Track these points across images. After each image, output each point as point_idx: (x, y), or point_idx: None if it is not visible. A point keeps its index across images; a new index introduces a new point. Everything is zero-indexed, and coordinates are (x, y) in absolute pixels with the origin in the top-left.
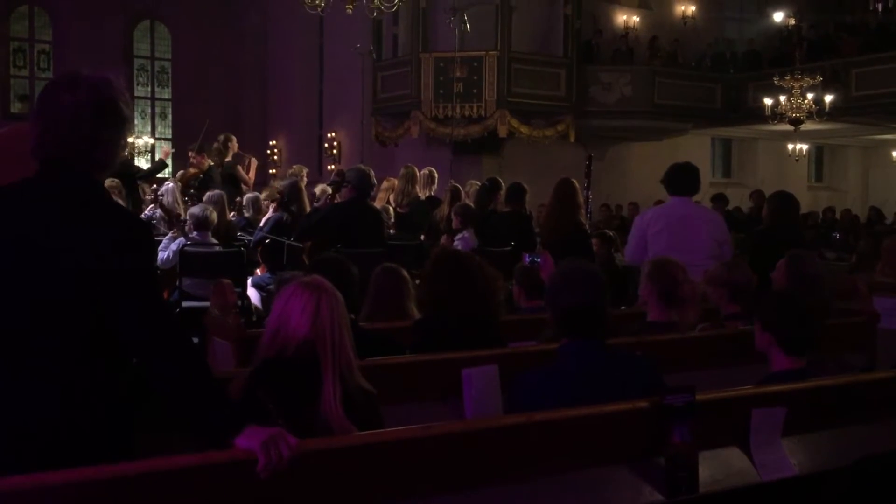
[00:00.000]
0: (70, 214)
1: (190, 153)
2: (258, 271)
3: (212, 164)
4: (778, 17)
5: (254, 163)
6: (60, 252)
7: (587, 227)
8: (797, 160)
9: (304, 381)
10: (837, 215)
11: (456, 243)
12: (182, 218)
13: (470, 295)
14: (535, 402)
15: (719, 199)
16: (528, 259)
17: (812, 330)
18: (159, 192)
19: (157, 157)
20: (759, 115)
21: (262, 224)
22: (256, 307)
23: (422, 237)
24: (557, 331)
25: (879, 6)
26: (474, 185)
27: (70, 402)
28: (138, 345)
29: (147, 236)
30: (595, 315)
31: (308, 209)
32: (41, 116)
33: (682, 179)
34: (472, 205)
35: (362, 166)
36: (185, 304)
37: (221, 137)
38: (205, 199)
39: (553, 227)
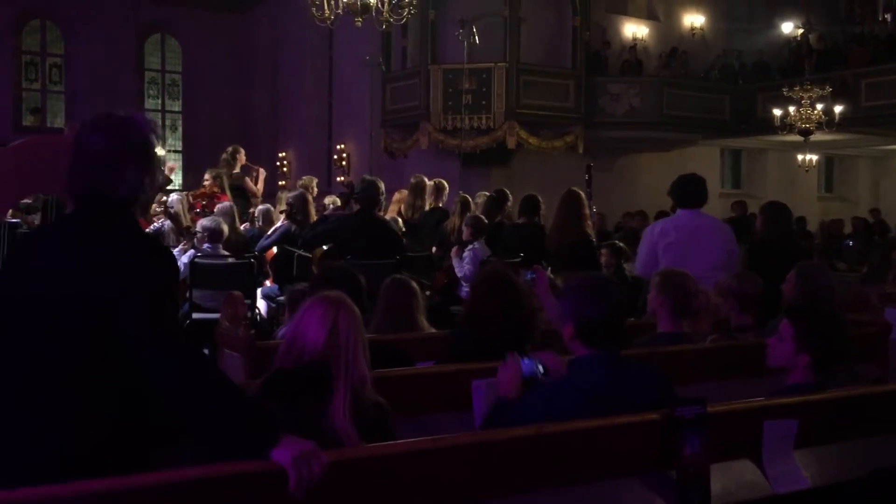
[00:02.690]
0: (84, 246)
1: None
2: (267, 282)
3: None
4: (787, 27)
5: (262, 174)
6: (72, 281)
7: (593, 237)
8: (807, 171)
9: (315, 393)
10: (847, 226)
11: (466, 254)
12: (193, 230)
13: (514, 316)
14: (552, 414)
15: None
16: (528, 276)
17: (847, 348)
18: (168, 204)
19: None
20: (769, 126)
21: (269, 232)
22: (263, 318)
23: (433, 249)
24: (577, 342)
25: (889, 17)
26: (483, 195)
27: (86, 427)
28: (149, 371)
29: (158, 263)
30: (616, 326)
31: (314, 219)
32: (73, 155)
33: (689, 191)
34: (482, 216)
35: (369, 177)
36: (195, 315)
37: (230, 149)
38: (216, 210)
39: (559, 238)
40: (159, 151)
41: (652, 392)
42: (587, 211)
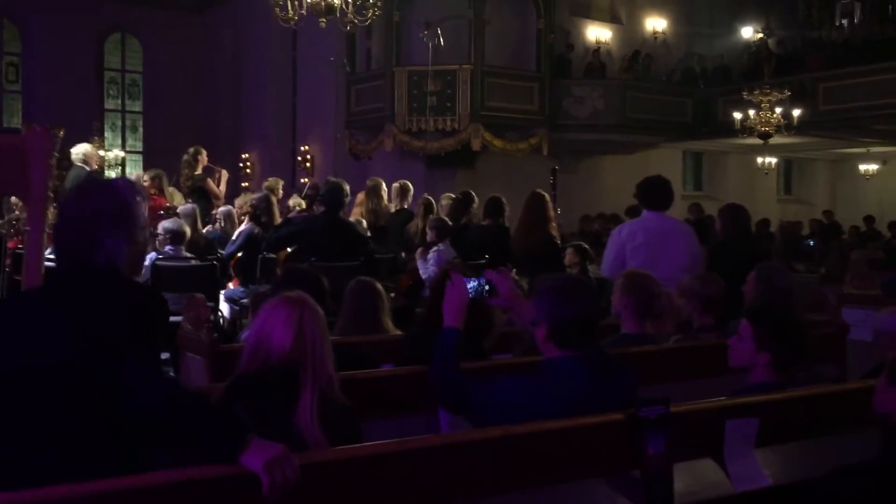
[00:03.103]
0: (66, 302)
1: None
2: (230, 285)
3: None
4: (746, 32)
5: (224, 175)
6: (53, 339)
7: (558, 240)
8: (766, 173)
9: (281, 395)
10: (806, 228)
11: (430, 256)
12: (154, 232)
13: (471, 315)
14: (535, 416)
15: (636, 212)
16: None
17: (805, 345)
18: None
19: (127, 171)
20: (729, 129)
21: (234, 237)
22: (227, 321)
23: (403, 254)
24: (550, 343)
25: (845, 22)
26: (447, 197)
27: (67, 441)
28: (121, 390)
29: (138, 302)
30: (590, 326)
31: (277, 222)
32: (56, 220)
33: (657, 194)
34: (446, 218)
35: (334, 179)
36: None
37: (191, 150)
38: (178, 211)
39: (525, 241)
40: (119, 153)
41: (626, 390)
42: (552, 213)
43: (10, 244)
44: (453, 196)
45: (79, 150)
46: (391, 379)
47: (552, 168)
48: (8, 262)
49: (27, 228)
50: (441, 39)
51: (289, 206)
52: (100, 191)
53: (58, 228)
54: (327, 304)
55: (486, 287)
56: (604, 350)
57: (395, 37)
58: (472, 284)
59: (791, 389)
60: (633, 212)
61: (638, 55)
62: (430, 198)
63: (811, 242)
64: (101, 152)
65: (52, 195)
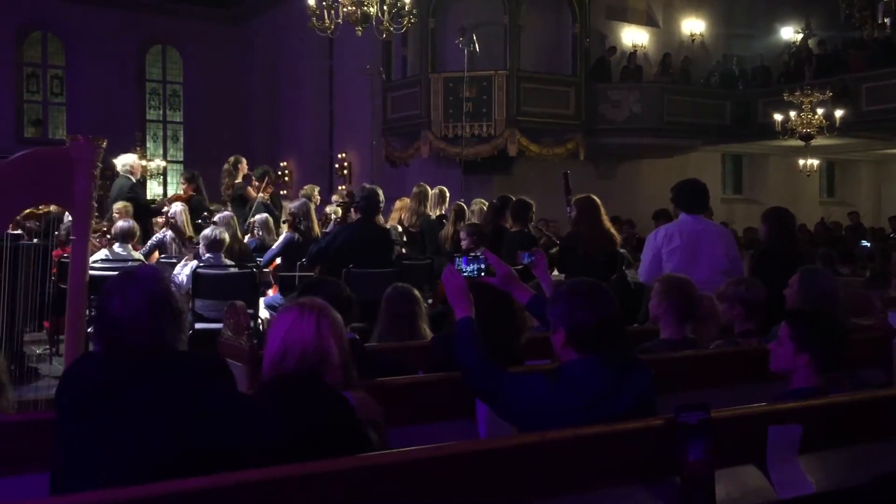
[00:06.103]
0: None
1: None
2: (270, 292)
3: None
4: (786, 32)
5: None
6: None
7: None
8: (808, 175)
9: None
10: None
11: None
12: (194, 240)
13: (500, 318)
14: (544, 411)
15: (662, 216)
16: (525, 258)
17: (846, 347)
18: (170, 215)
19: (168, 180)
20: (770, 131)
21: (274, 247)
22: (266, 328)
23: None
24: (569, 347)
25: (888, 21)
26: (479, 203)
27: None
28: None
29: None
30: (610, 330)
31: (316, 228)
32: (99, 312)
33: (694, 196)
34: (479, 223)
35: (368, 185)
36: (197, 325)
37: (232, 159)
38: (216, 219)
39: (610, 245)
40: (160, 162)
41: (643, 391)
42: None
43: (55, 253)
44: (483, 202)
45: (125, 161)
46: (427, 385)
47: (564, 172)
48: (54, 270)
49: (72, 237)
50: (476, 45)
51: (326, 214)
52: (146, 284)
53: (112, 320)
54: (353, 313)
55: (483, 267)
56: (628, 351)
57: (431, 44)
58: (471, 267)
59: (835, 395)
60: (661, 216)
61: (668, 58)
62: (462, 204)
63: (868, 244)
64: (143, 162)
65: (95, 204)
